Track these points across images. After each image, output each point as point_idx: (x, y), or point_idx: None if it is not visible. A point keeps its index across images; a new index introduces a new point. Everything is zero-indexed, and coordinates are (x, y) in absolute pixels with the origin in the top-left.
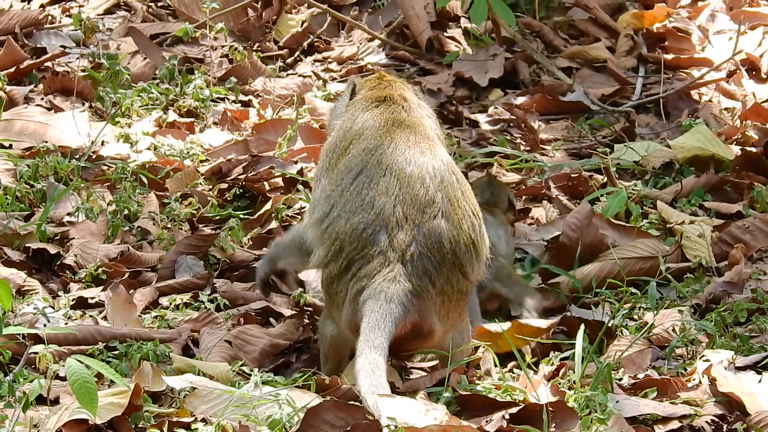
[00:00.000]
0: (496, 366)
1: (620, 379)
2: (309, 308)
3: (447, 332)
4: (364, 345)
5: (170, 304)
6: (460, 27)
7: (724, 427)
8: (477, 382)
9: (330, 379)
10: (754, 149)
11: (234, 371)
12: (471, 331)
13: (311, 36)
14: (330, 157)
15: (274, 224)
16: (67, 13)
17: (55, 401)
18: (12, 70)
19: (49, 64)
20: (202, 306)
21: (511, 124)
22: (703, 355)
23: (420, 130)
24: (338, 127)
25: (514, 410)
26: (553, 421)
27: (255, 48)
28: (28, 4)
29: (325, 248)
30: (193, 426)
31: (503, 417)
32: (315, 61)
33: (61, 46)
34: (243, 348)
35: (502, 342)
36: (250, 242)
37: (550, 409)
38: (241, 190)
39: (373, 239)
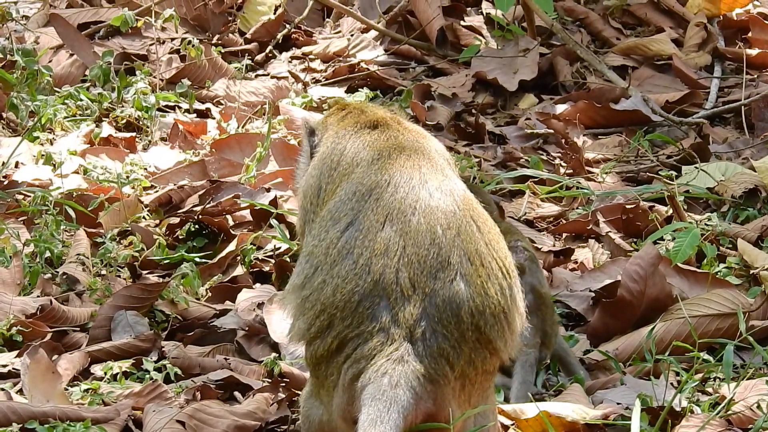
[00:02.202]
0: None
1: None
2: (285, 379)
3: (468, 420)
4: None
5: (105, 373)
6: (482, 14)
7: None
8: None
9: None
10: None
11: None
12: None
13: (287, 26)
14: (314, 203)
15: (239, 270)
16: None
17: None
18: None
19: None
20: (147, 376)
21: (548, 140)
22: None
23: (426, 161)
24: (319, 161)
25: None
26: None
27: (214, 41)
28: None
29: (307, 320)
30: None
31: None
32: (292, 58)
33: None
34: (200, 431)
35: (531, 424)
36: (209, 294)
37: None
38: (196, 226)
39: (372, 314)
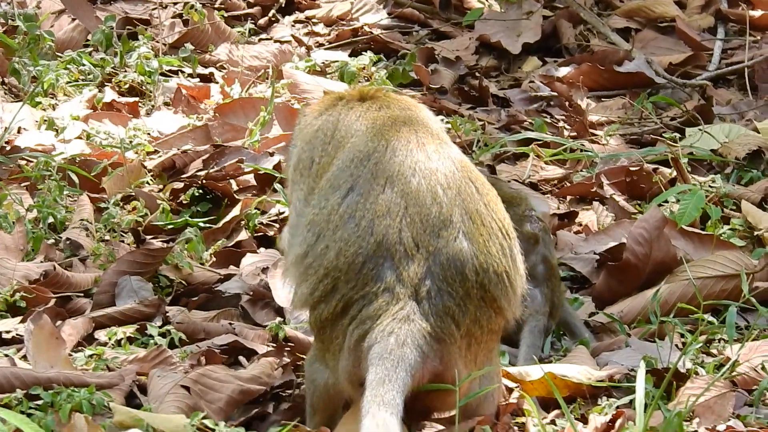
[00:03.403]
0: (531, 416)
1: None
2: (290, 344)
3: (474, 381)
4: (372, 402)
5: (109, 339)
6: None
7: None
8: None
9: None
10: None
11: (194, 426)
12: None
13: None
14: (305, 174)
15: (243, 235)
16: None
17: None
18: None
19: None
20: (151, 341)
21: (552, 103)
22: None
23: (421, 126)
24: (311, 136)
25: None
26: None
27: (217, 5)
28: None
29: (311, 285)
30: None
31: None
32: (295, 21)
33: None
34: (205, 396)
35: (536, 386)
36: (213, 259)
37: None
38: (200, 191)
39: (376, 274)
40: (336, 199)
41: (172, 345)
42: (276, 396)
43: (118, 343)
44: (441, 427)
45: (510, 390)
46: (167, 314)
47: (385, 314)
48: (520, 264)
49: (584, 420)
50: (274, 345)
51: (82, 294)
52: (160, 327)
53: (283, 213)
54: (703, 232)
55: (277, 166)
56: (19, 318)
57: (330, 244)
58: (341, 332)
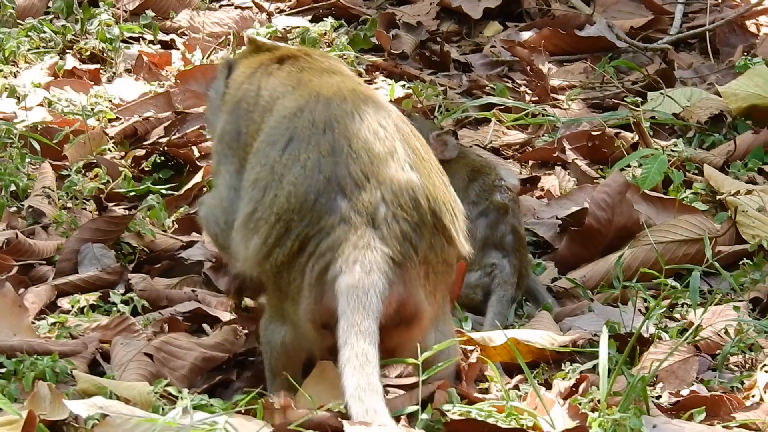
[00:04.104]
0: (494, 381)
1: (658, 397)
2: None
3: (433, 320)
4: (349, 333)
5: (72, 306)
6: None
7: None
8: (475, 397)
9: (281, 400)
10: None
11: (157, 393)
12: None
13: None
14: (233, 147)
15: None
16: None
17: None
18: None
19: None
20: (114, 309)
21: (514, 68)
22: (765, 365)
23: (347, 78)
24: (233, 107)
25: None
26: None
27: None
28: None
29: (263, 235)
30: None
31: None
32: None
33: None
34: (168, 363)
35: (499, 351)
36: (175, 225)
37: None
38: (162, 158)
39: (330, 207)
40: (277, 152)
41: (134, 312)
42: (240, 363)
43: (81, 310)
44: (400, 392)
45: (468, 353)
46: (130, 281)
47: (345, 244)
48: (459, 202)
49: (548, 385)
50: (238, 312)
51: (44, 262)
52: (122, 294)
53: None
54: (666, 196)
55: None
56: None
57: (278, 192)
58: (299, 272)
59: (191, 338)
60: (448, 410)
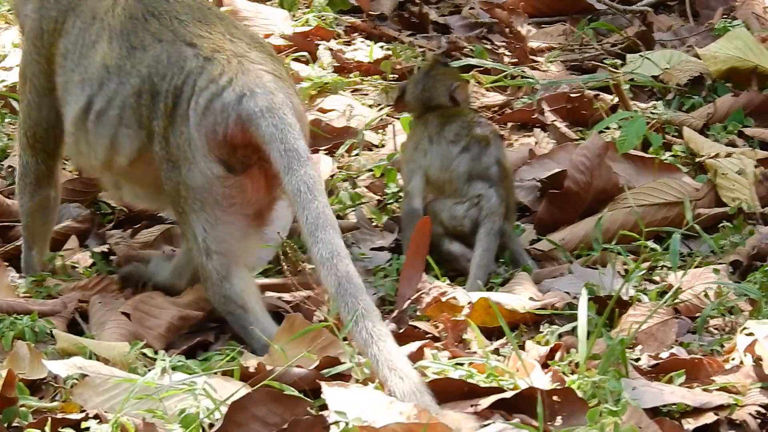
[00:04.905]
0: (475, 343)
1: (637, 360)
2: None
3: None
4: (288, 156)
5: (50, 263)
6: None
7: None
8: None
9: (256, 364)
10: None
11: (135, 353)
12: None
13: None
14: (38, 45)
15: None
16: None
17: None
18: None
19: None
20: (93, 269)
21: (492, 29)
22: (745, 328)
23: None
24: (38, 3)
25: (498, 397)
26: (558, 413)
27: None
28: None
29: (129, 122)
30: (83, 424)
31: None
32: None
33: None
34: (144, 322)
35: (479, 312)
36: None
37: (555, 398)
38: None
39: (189, 54)
40: (102, 50)
41: (112, 272)
42: (219, 324)
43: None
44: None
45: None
46: (106, 239)
47: (224, 73)
48: None
49: (525, 348)
50: None
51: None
52: (100, 253)
53: None
54: (646, 155)
55: None
56: None
57: (123, 78)
58: (182, 125)
59: (165, 297)
60: (426, 367)
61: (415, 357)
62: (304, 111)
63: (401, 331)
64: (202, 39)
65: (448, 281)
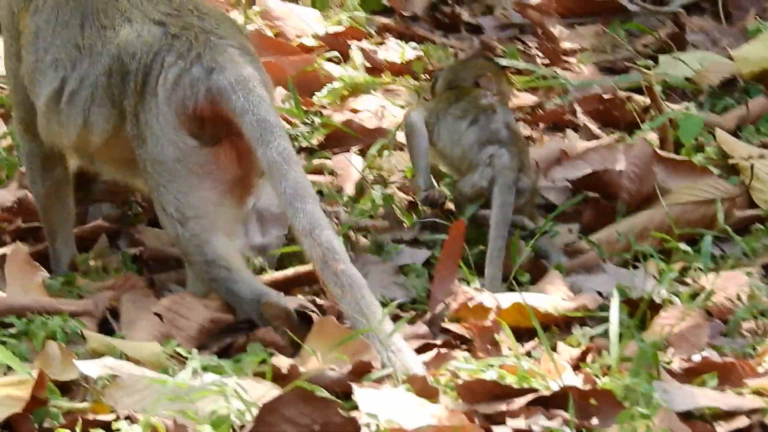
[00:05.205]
0: (508, 346)
1: (669, 363)
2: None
3: None
4: (261, 127)
5: (80, 264)
6: None
7: None
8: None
9: (288, 365)
10: None
11: (167, 354)
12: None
13: None
14: (10, 30)
15: None
16: None
17: None
18: None
19: None
20: (124, 266)
21: (525, 30)
22: None
23: None
24: None
25: (532, 397)
26: (594, 414)
27: None
28: None
29: (101, 102)
30: (114, 425)
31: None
32: None
33: None
34: (176, 323)
35: (511, 313)
36: None
37: (592, 400)
38: None
39: (158, 33)
40: (74, 31)
41: (141, 272)
42: (249, 323)
43: (95, 271)
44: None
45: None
46: (137, 238)
47: (192, 48)
48: None
49: (557, 350)
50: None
51: None
52: (131, 253)
53: None
54: (678, 157)
55: None
56: None
57: (94, 58)
58: (151, 100)
59: (199, 299)
60: (459, 369)
61: (446, 359)
62: (271, 85)
63: (434, 334)
64: (170, 18)
65: (477, 284)
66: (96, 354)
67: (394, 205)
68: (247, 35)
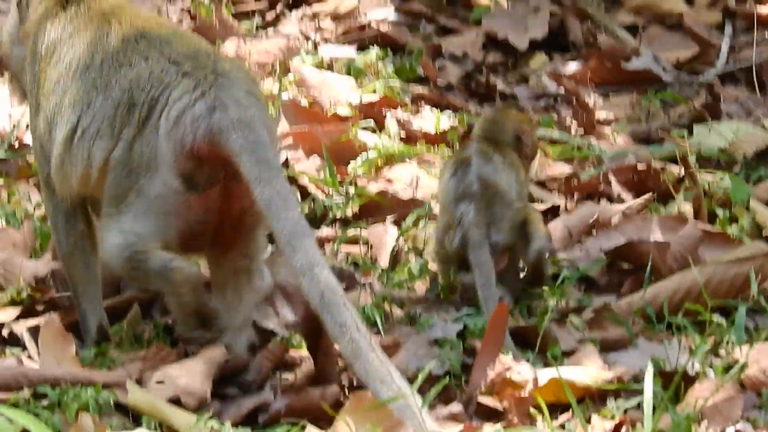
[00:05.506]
0: (543, 420)
1: None
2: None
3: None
4: (259, 166)
5: (114, 335)
6: None
7: None
8: None
9: None
10: None
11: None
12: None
13: None
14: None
15: None
16: None
17: None
18: None
19: None
20: (154, 336)
21: (559, 100)
22: None
23: (136, 11)
24: (30, 54)
25: None
26: None
27: (225, 0)
28: None
29: (105, 132)
30: None
31: None
32: (304, 16)
33: None
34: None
35: (550, 387)
36: None
37: None
38: None
39: (170, 70)
40: (94, 72)
41: (174, 343)
42: (274, 386)
43: (122, 340)
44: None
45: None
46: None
47: (200, 87)
48: None
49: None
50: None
51: None
52: (161, 318)
53: None
54: (713, 229)
55: (284, 163)
56: (28, 315)
57: (107, 93)
58: (152, 130)
59: (191, 358)
60: None
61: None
62: (276, 132)
63: (470, 416)
64: (185, 58)
65: (512, 355)
66: (136, 409)
67: (438, 284)
68: (257, 83)
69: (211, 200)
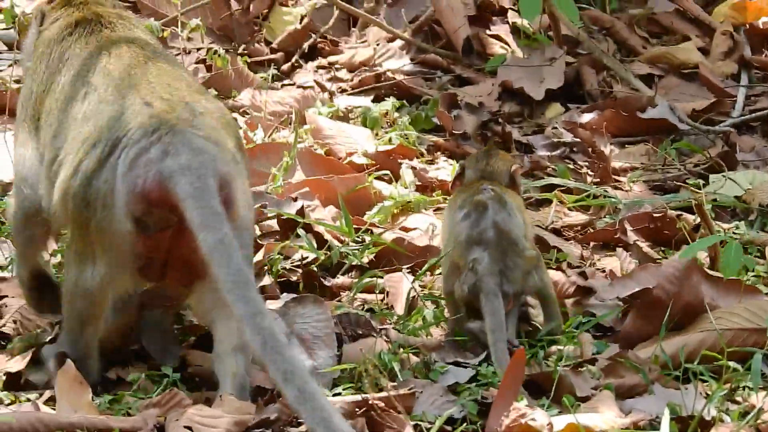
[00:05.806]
0: None
1: None
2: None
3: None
4: (202, 213)
5: (132, 382)
6: (507, 23)
7: None
8: None
9: None
10: None
11: None
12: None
13: (313, 35)
14: (26, 106)
15: (267, 280)
16: None
17: None
18: None
19: None
20: (166, 380)
21: (575, 149)
22: None
23: (138, 41)
24: (33, 67)
25: None
26: None
27: (241, 51)
28: None
29: (70, 164)
30: None
31: None
32: (318, 67)
33: None
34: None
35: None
36: None
37: None
38: None
39: (138, 110)
40: (78, 105)
41: (191, 388)
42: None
43: (138, 386)
44: None
45: None
46: (185, 355)
47: (158, 129)
48: None
49: None
50: None
51: None
52: (179, 369)
53: (306, 258)
54: (729, 278)
55: (301, 212)
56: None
57: (82, 128)
58: (110, 171)
59: (211, 409)
60: None
61: None
62: (245, 175)
63: None
64: (160, 101)
65: (526, 401)
66: None
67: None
68: (232, 128)
69: (162, 242)
